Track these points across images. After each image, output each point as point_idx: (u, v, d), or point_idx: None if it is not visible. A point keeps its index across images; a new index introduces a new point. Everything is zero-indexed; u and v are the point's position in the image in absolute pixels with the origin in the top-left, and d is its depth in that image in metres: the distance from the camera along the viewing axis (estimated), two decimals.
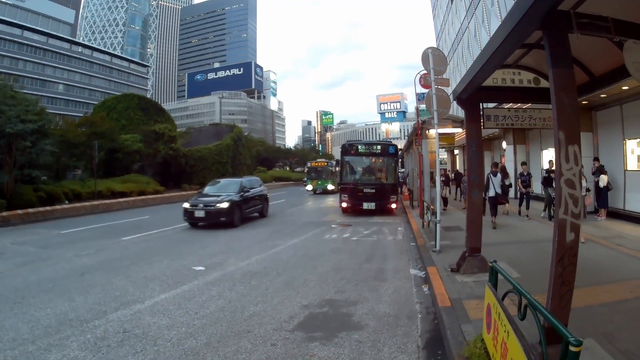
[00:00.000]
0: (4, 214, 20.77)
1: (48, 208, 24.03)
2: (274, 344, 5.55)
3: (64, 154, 33.31)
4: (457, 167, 33.89)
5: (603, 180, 14.17)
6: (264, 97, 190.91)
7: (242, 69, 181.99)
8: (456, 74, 38.23)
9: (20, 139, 23.05)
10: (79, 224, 19.96)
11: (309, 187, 40.74)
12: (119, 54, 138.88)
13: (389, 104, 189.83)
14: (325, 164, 42.88)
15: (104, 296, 7.97)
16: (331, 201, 30.97)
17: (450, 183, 25.41)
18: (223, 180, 21.17)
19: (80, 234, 16.84)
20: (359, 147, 22.69)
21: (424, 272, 9.16)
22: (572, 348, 2.59)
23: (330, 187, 40.21)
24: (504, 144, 25.92)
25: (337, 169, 31.11)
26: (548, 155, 19.23)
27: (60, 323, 6.50)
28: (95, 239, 15.39)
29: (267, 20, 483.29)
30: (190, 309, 7.12)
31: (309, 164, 43.79)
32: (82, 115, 56.00)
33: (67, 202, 27.73)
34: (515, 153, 23.51)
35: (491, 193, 14.81)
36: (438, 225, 10.87)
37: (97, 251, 12.92)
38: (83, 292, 8.24)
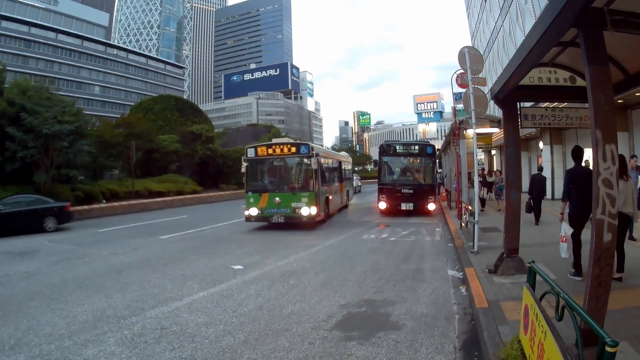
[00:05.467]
0: None
1: (85, 207, 24.91)
2: (312, 343, 5.60)
3: (101, 154, 34.08)
4: (495, 168, 33.34)
5: None
6: (301, 97, 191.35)
7: (278, 69, 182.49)
8: (492, 73, 37.64)
9: (57, 139, 23.87)
10: (116, 223, 20.59)
11: (251, 210, 17.12)
12: (155, 56, 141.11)
13: (425, 104, 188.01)
14: (295, 149, 17.33)
15: (142, 293, 8.17)
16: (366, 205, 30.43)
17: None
18: None
19: (117, 233, 17.35)
20: (397, 147, 22.60)
21: (461, 273, 9.10)
22: (608, 349, 2.58)
23: (307, 210, 16.70)
24: (541, 144, 25.43)
25: (345, 166, 27.57)
26: (585, 156, 18.82)
27: (97, 319, 6.68)
28: (133, 237, 15.85)
29: (302, 22, 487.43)
30: (228, 307, 7.23)
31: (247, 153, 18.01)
32: (118, 116, 57.48)
33: (104, 201, 28.62)
34: (552, 153, 23.08)
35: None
36: (476, 226, 10.76)
37: (134, 249, 13.29)
38: (120, 290, 8.47)
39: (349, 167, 31.69)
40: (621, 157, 6.66)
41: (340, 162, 25.00)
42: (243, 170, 17.16)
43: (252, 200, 17.03)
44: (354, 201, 31.14)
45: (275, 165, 17.86)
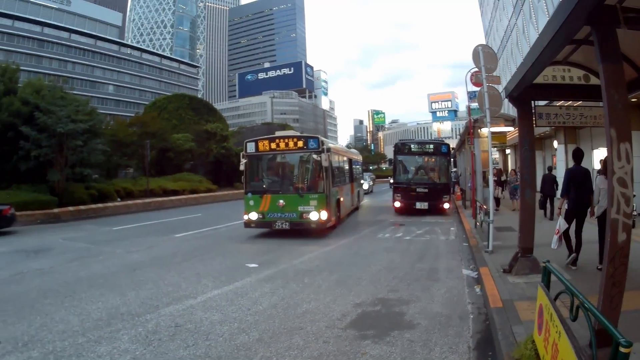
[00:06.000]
0: (55, 210, 21.80)
1: (100, 205, 24.99)
2: (326, 341, 5.62)
3: (116, 153, 34.22)
4: (509, 167, 33.09)
5: None
6: (315, 96, 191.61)
7: (292, 68, 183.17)
8: (506, 72, 37.35)
9: (72, 138, 23.96)
10: (130, 221, 20.64)
11: (251, 214, 14.92)
12: (169, 55, 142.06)
13: (440, 102, 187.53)
14: (302, 143, 14.92)
15: (156, 291, 8.20)
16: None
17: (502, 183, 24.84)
18: None
19: (132, 231, 17.40)
20: (412, 146, 22.53)
21: (476, 273, 9.07)
22: (622, 349, 2.58)
23: (316, 215, 14.39)
24: (555, 143, 25.23)
25: (356, 165, 25.42)
26: (599, 155, 18.64)
27: (111, 317, 6.71)
28: (147, 236, 15.91)
29: (315, 20, 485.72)
30: (242, 305, 7.26)
31: (246, 148, 15.58)
32: (132, 115, 57.58)
33: (118, 199, 28.68)
34: (566, 152, 22.88)
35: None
36: (491, 225, 10.74)
37: (149, 248, 13.34)
38: (134, 288, 8.51)
39: (359, 165, 29.28)
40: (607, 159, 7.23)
41: (350, 160, 22.69)
42: (242, 167, 15.06)
43: (251, 202, 14.86)
44: (366, 202, 30.59)
45: (279, 162, 15.77)
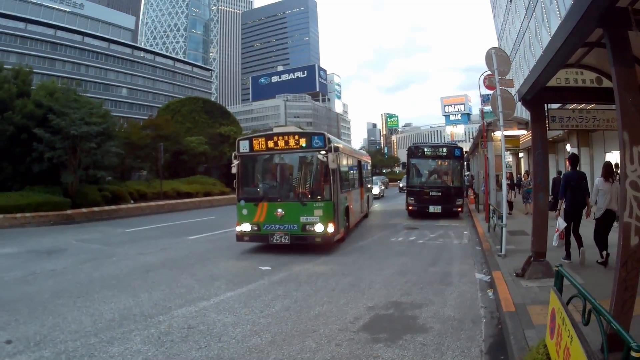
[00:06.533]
0: (69, 212, 21.90)
1: (113, 207, 25.10)
2: (339, 344, 5.63)
3: (129, 156, 34.25)
4: (522, 171, 32.83)
5: None
6: (329, 99, 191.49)
7: (305, 71, 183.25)
8: (519, 75, 37.12)
9: (85, 140, 24.03)
10: (143, 223, 20.71)
11: (244, 225, 12.79)
12: (182, 59, 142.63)
13: (453, 106, 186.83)
14: (305, 141, 12.57)
15: (169, 293, 8.25)
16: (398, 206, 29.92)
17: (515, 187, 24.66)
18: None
19: (145, 233, 17.45)
20: (425, 149, 22.51)
21: (489, 277, 9.05)
22: (633, 354, 2.57)
23: (321, 227, 12.18)
24: (568, 147, 25.03)
25: (365, 167, 23.30)
26: (611, 158, 18.48)
27: (124, 318, 6.76)
28: (160, 237, 15.93)
29: (329, 24, 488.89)
30: (255, 307, 7.29)
31: (239, 146, 13.32)
32: (146, 118, 57.64)
33: (132, 201, 28.77)
34: (579, 156, 22.75)
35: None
36: (504, 229, 10.70)
37: (162, 250, 13.39)
38: (147, 289, 8.56)
39: (369, 167, 26.92)
40: (608, 163, 9.15)
41: (360, 162, 20.59)
42: (233, 170, 12.94)
43: (244, 211, 12.69)
44: (377, 206, 29.89)
45: (278, 163, 13.45)
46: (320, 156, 12.20)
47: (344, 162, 15.72)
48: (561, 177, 16.39)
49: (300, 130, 14.70)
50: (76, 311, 7.11)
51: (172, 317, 6.79)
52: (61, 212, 21.61)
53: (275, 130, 13.88)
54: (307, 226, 12.12)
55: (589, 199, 9.48)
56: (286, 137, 12.75)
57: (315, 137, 12.52)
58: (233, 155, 13.11)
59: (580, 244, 9.37)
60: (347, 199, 15.16)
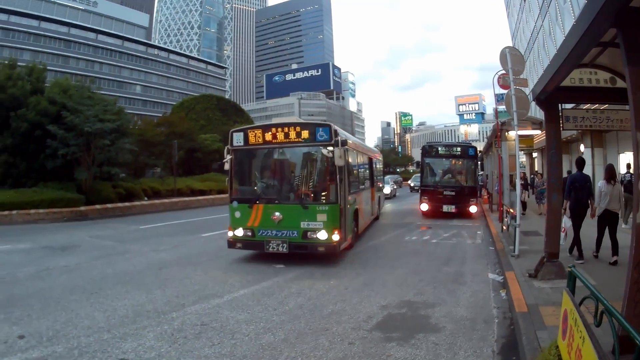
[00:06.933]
0: (82, 208, 22.08)
1: (127, 204, 25.24)
2: (352, 343, 5.66)
3: (143, 153, 34.32)
4: (536, 171, 32.54)
5: None
6: (343, 98, 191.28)
7: (320, 70, 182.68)
8: (533, 74, 36.75)
9: (99, 137, 24.10)
10: (157, 220, 20.80)
11: (237, 230, 11.16)
12: (196, 56, 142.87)
13: (467, 105, 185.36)
14: (307, 133, 10.91)
15: (182, 290, 8.30)
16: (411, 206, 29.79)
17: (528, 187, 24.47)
18: None
19: (158, 230, 17.53)
20: (439, 148, 22.44)
21: (502, 277, 9.03)
22: None
23: (325, 234, 10.42)
24: (582, 147, 24.80)
25: (377, 164, 21.82)
26: (625, 159, 18.31)
27: (137, 314, 6.83)
28: (174, 235, 16.01)
29: (343, 22, 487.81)
30: (269, 305, 7.33)
31: (232, 139, 11.78)
32: (160, 115, 57.92)
33: (145, 199, 28.80)
34: (592, 156, 22.48)
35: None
36: (517, 229, 10.67)
37: (175, 247, 13.44)
38: (160, 286, 8.61)
39: (380, 165, 25.17)
40: (610, 166, 9.78)
41: (371, 159, 18.96)
42: (226, 166, 11.54)
43: (237, 214, 11.15)
44: (389, 206, 29.02)
45: (276, 159, 11.82)
46: (325, 151, 10.47)
47: (353, 158, 14.06)
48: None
49: (302, 120, 12.14)
50: (89, 307, 7.19)
51: (185, 313, 6.84)
52: (75, 208, 21.81)
53: (275, 121, 11.83)
54: (309, 233, 10.45)
55: (592, 200, 10.02)
56: (286, 129, 11.00)
57: (320, 129, 10.74)
58: (226, 149, 11.67)
59: (578, 241, 10.02)
60: (355, 201, 13.47)
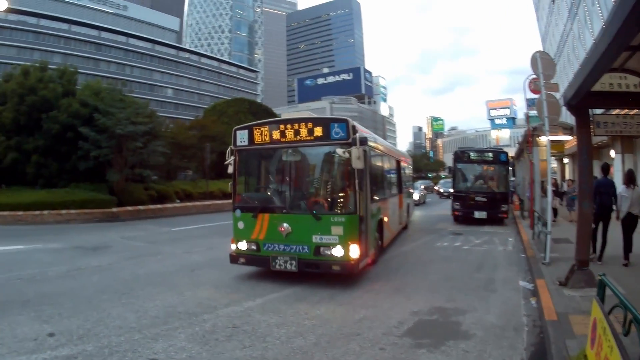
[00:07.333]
0: (114, 210, 22.46)
1: (159, 206, 25.54)
2: (382, 348, 5.70)
3: (175, 155, 34.47)
4: (567, 177, 32.09)
5: None
6: (374, 102, 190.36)
7: (351, 74, 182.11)
8: (563, 78, 36.16)
9: (131, 140, 24.56)
10: (189, 223, 20.93)
11: (240, 243, 9.66)
12: (227, 60, 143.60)
13: (498, 110, 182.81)
14: (321, 131, 9.08)
15: (214, 292, 8.41)
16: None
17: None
18: None
19: (191, 232, 17.68)
20: (471, 154, 22.21)
21: (532, 285, 8.98)
22: None
23: (341, 250, 8.64)
24: (612, 153, 24.39)
25: (405, 169, 19.59)
26: None
27: (169, 315, 6.93)
28: (206, 237, 16.10)
29: (373, 26, 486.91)
30: (300, 308, 7.39)
31: (236, 138, 10.23)
32: (192, 118, 58.07)
33: (178, 201, 29.05)
34: (623, 162, 22.10)
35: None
36: (548, 236, 10.60)
37: (208, 249, 13.54)
38: (192, 288, 8.73)
39: (410, 170, 22.93)
40: (630, 171, 10.24)
41: (399, 161, 17.00)
42: (229, 170, 10.15)
43: (241, 224, 9.71)
44: (418, 213, 27.08)
45: (285, 161, 9.85)
46: (341, 151, 8.80)
47: (377, 161, 12.49)
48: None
49: (314, 115, 10.32)
50: (120, 307, 7.32)
51: (217, 316, 6.93)
52: (106, 209, 22.16)
53: (284, 116, 10.56)
54: (322, 248, 8.80)
55: (616, 204, 10.41)
56: (296, 125, 9.31)
57: (335, 125, 8.98)
58: (228, 149, 10.26)
59: (603, 246, 10.39)
60: (380, 211, 11.82)
